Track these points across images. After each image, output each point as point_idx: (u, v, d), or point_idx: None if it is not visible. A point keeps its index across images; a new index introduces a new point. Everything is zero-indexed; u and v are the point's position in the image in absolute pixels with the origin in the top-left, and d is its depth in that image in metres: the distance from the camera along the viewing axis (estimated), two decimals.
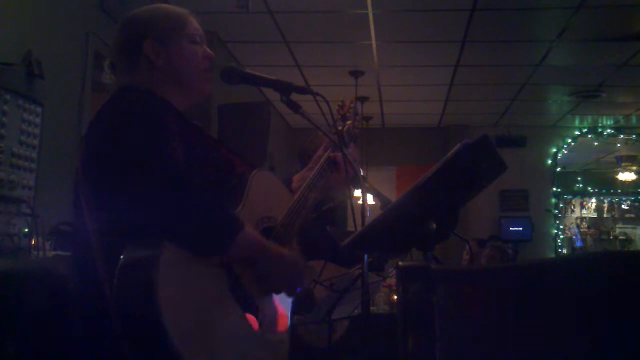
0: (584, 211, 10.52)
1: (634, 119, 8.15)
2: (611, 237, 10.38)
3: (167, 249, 1.30)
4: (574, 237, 10.12)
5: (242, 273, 1.47)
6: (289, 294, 1.61)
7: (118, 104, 1.53)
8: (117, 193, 1.37)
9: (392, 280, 4.34)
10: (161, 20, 1.65)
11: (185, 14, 1.69)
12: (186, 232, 1.35)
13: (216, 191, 1.53)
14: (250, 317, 1.48)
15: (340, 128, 1.90)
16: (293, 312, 1.70)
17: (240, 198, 1.57)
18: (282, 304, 1.63)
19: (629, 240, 10.22)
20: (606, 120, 8.39)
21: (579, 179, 10.31)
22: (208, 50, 1.71)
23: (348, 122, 2.06)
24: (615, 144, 9.05)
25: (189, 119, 1.66)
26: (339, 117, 2.04)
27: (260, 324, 1.50)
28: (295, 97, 1.71)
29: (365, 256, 1.57)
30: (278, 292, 1.58)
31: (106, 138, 1.43)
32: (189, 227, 1.35)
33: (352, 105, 2.13)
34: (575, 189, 10.25)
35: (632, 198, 10.30)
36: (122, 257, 1.30)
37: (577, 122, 8.47)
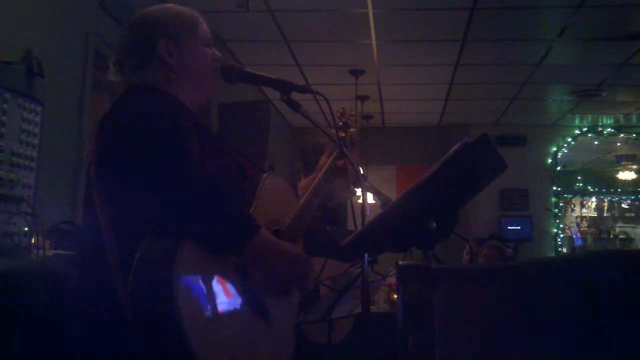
0: (584, 210, 10.53)
1: (634, 118, 8.15)
2: (611, 236, 10.38)
3: (183, 247, 1.31)
4: (574, 236, 10.12)
5: (253, 274, 1.49)
6: (298, 291, 1.64)
7: (133, 102, 1.53)
8: (135, 190, 1.37)
9: (392, 279, 4.35)
10: (175, 20, 1.65)
11: (196, 16, 1.70)
12: (206, 229, 1.36)
13: (232, 191, 1.55)
14: (259, 317, 1.50)
15: (343, 135, 1.93)
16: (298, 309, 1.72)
17: (251, 201, 1.59)
18: (289, 305, 1.65)
19: (629, 239, 10.22)
20: (606, 119, 8.39)
21: (579, 178, 10.32)
22: (216, 52, 1.72)
23: (351, 130, 2.09)
24: (615, 143, 9.05)
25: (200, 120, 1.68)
26: (340, 124, 2.06)
27: (268, 324, 1.52)
28: (295, 96, 1.72)
29: (366, 255, 1.58)
30: (288, 289, 1.59)
31: (123, 135, 1.42)
32: (209, 224, 1.36)
33: (352, 112, 2.16)
34: (576, 188, 10.26)
35: (632, 197, 10.31)
36: (138, 252, 1.30)
37: (577, 121, 8.47)
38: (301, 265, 1.57)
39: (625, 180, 10.01)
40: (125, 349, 1.31)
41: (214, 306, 1.36)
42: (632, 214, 10.39)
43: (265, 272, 1.51)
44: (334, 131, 1.90)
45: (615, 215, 10.46)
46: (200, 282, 1.35)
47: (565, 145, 8.68)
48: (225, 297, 1.41)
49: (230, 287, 1.43)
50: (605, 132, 8.59)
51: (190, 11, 1.70)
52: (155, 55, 1.60)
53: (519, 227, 8.45)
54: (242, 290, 1.45)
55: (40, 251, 2.58)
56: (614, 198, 10.43)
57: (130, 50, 1.64)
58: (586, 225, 10.47)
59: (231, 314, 1.41)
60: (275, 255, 1.49)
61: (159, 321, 1.27)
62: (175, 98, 1.60)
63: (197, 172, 1.38)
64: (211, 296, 1.36)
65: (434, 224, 1.41)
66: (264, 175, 1.68)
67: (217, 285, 1.39)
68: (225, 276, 1.42)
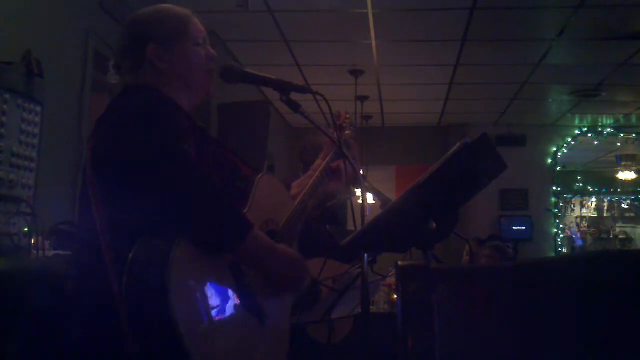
0: (584, 210, 10.53)
1: (633, 118, 8.15)
2: (611, 237, 10.38)
3: (177, 247, 1.31)
4: (574, 236, 10.12)
5: (248, 274, 1.49)
6: (292, 294, 1.64)
7: (129, 103, 1.54)
8: (132, 189, 1.37)
9: (392, 279, 4.35)
10: (164, 23, 1.65)
11: (188, 16, 1.69)
12: (200, 228, 1.36)
13: (227, 191, 1.55)
14: (254, 317, 1.50)
15: (337, 136, 1.93)
16: (296, 307, 1.72)
17: (246, 201, 1.59)
18: (284, 304, 1.66)
19: (628, 240, 10.22)
20: (606, 120, 8.39)
21: (579, 178, 10.33)
22: (211, 51, 1.71)
23: (347, 132, 2.11)
24: (615, 143, 9.05)
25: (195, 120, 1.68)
26: (336, 127, 2.07)
27: (264, 324, 1.52)
28: (295, 96, 1.72)
29: (365, 255, 1.58)
30: (282, 292, 1.59)
31: (119, 135, 1.42)
32: (203, 223, 1.36)
33: (348, 115, 2.17)
34: (575, 188, 10.26)
35: (632, 197, 10.31)
36: (132, 252, 1.30)
37: (577, 121, 8.47)
38: (296, 267, 1.56)
39: (625, 180, 10.00)
40: (122, 349, 1.31)
41: (209, 306, 1.36)
42: (632, 214, 10.39)
43: (260, 272, 1.51)
44: (334, 132, 1.90)
45: (615, 215, 10.46)
46: (195, 282, 1.35)
47: (565, 145, 8.68)
48: (219, 297, 1.41)
49: (224, 287, 1.43)
50: (605, 132, 8.59)
51: (181, 11, 1.69)
52: (147, 59, 1.61)
53: (519, 227, 8.45)
54: (236, 290, 1.45)
55: (40, 251, 2.58)
56: (614, 198, 10.44)
57: (124, 53, 1.65)
58: (586, 225, 10.47)
59: (226, 314, 1.41)
60: (270, 256, 1.49)
61: (153, 322, 1.27)
62: (171, 99, 1.60)
63: (193, 172, 1.38)
64: (206, 296, 1.36)
65: (434, 224, 1.41)
66: (259, 175, 1.68)
67: (211, 285, 1.39)
68: (220, 276, 1.42)
